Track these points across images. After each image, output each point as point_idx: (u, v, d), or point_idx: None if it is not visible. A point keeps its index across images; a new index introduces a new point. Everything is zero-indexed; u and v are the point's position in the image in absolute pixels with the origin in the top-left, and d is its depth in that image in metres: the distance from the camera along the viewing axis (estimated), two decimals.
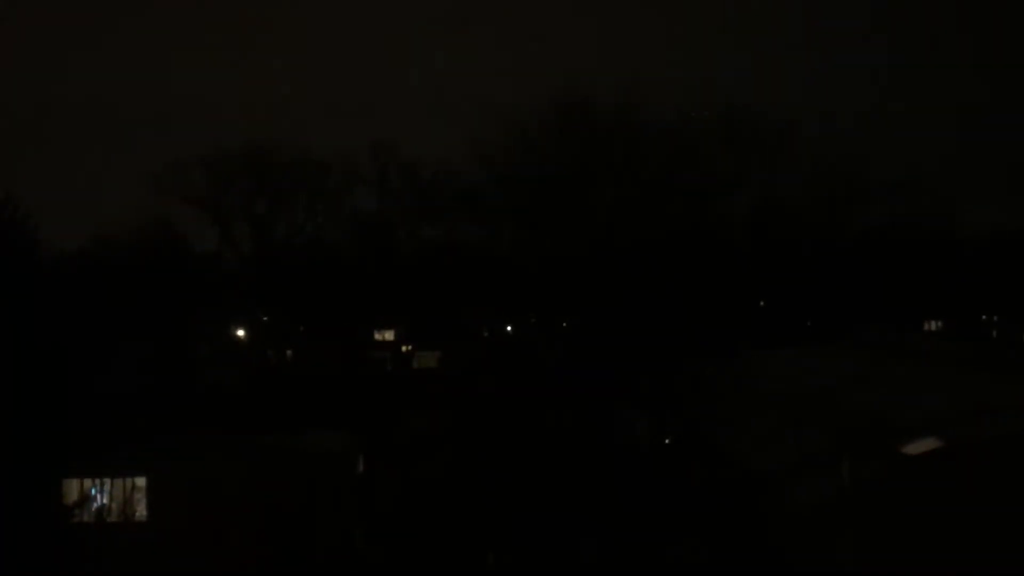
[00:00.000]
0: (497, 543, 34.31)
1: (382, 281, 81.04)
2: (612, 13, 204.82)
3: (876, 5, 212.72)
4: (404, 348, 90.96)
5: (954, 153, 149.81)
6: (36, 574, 28.03)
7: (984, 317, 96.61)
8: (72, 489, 32.19)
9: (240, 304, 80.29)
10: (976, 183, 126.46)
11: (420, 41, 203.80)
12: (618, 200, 76.02)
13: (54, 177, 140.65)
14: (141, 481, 32.37)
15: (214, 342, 77.24)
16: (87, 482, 32.30)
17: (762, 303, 78.53)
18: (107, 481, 32.38)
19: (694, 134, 74.65)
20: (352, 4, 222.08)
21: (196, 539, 31.42)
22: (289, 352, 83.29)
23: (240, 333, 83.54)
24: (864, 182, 76.72)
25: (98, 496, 32.35)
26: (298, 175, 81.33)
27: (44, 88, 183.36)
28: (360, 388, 65.41)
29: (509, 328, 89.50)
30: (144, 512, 32.24)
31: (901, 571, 24.95)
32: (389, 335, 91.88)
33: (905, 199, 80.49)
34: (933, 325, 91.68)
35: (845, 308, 75.02)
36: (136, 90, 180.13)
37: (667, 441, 48.92)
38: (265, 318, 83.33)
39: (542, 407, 57.89)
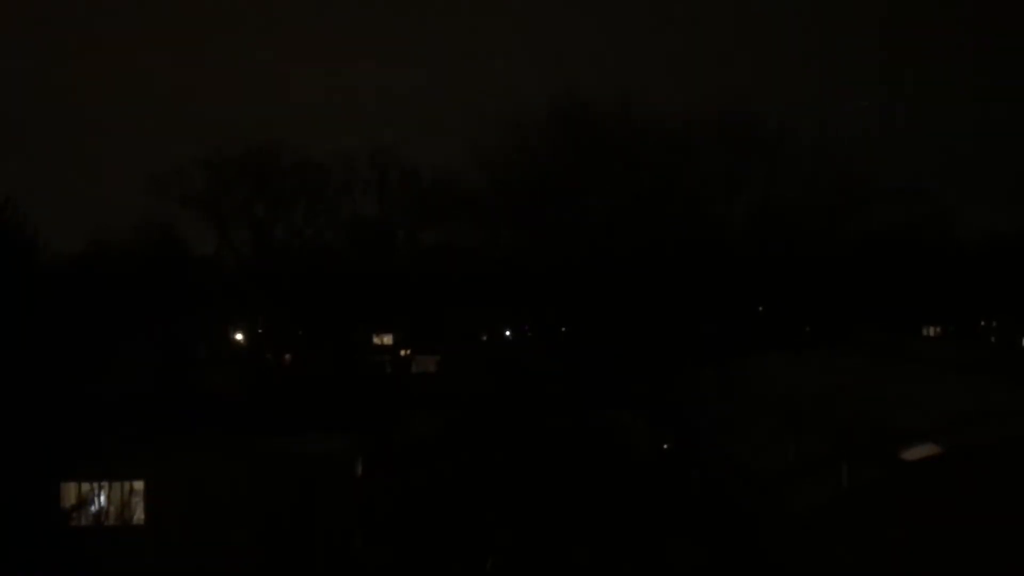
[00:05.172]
0: (496, 547, 34.28)
1: (381, 285, 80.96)
2: (611, 17, 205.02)
3: (875, 8, 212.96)
4: (403, 352, 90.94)
5: (953, 158, 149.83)
6: None
7: (983, 321, 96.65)
8: (70, 492, 32.18)
9: (239, 307, 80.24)
10: (975, 188, 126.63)
11: (420, 46, 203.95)
12: (617, 205, 76.10)
13: (54, 180, 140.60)
14: (139, 484, 32.36)
15: (213, 345, 77.21)
16: (85, 485, 32.29)
17: (761, 308, 78.54)
18: (105, 484, 32.38)
19: (693, 139, 74.74)
20: (352, 8, 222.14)
21: (194, 542, 31.41)
22: (288, 355, 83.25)
23: (239, 336, 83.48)
24: (864, 186, 76.82)
25: (96, 499, 32.34)
26: (298, 179, 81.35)
27: (44, 90, 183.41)
28: (359, 392, 65.37)
29: (508, 333, 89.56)
30: (142, 515, 32.22)
31: (898, 575, 24.93)
32: (388, 339, 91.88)
33: (904, 203, 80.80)
34: (932, 330, 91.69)
35: (844, 312, 75.02)
36: (136, 92, 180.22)
37: (665, 445, 48.94)
38: (264, 321, 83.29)
39: (541, 411, 57.91)
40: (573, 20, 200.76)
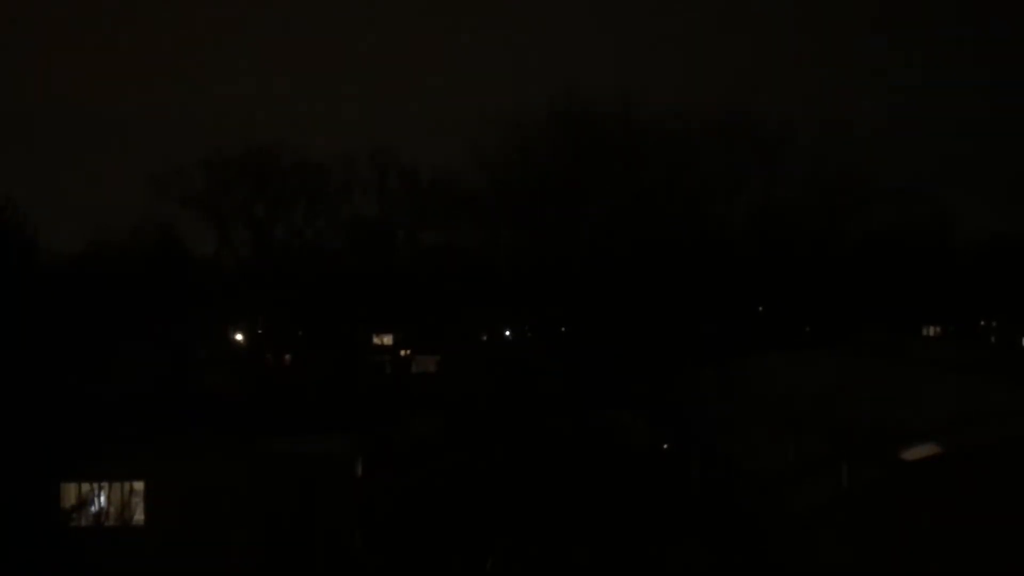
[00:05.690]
0: (496, 547, 34.27)
1: (381, 285, 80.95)
2: (612, 18, 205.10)
3: (875, 12, 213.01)
4: (403, 352, 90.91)
5: (953, 158, 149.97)
6: None
7: (983, 322, 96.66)
8: (70, 493, 32.17)
9: (239, 307, 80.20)
10: (975, 188, 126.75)
11: (420, 47, 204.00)
12: (617, 205, 76.06)
13: (53, 181, 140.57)
14: (139, 485, 32.36)
15: (212, 345, 77.16)
16: (85, 486, 32.28)
17: (761, 308, 78.51)
18: (105, 485, 32.37)
19: (693, 139, 74.71)
20: (352, 10, 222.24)
21: (194, 543, 31.41)
22: (288, 356, 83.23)
23: (239, 337, 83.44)
24: (864, 186, 76.84)
25: (96, 500, 32.34)
26: (298, 179, 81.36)
27: (44, 90, 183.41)
28: (359, 392, 65.30)
29: (508, 333, 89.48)
30: (142, 516, 32.21)
31: (898, 575, 24.92)
32: (388, 339, 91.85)
33: (905, 204, 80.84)
34: (932, 330, 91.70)
35: (844, 313, 75.01)
36: (136, 93, 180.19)
37: (665, 445, 48.91)
38: (264, 322, 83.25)
39: (541, 411, 57.86)
40: (573, 20, 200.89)
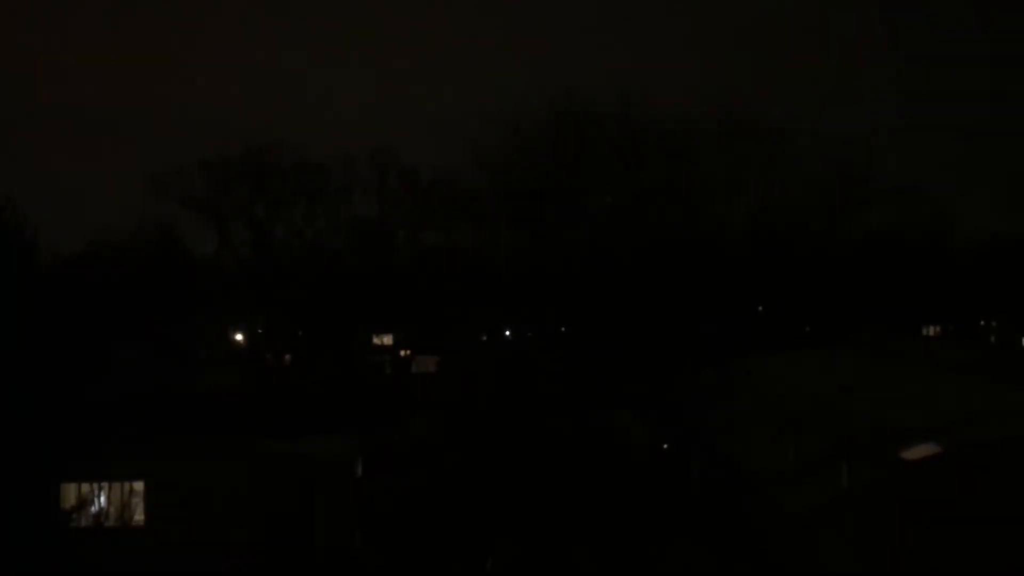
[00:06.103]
0: (496, 548, 34.28)
1: (381, 286, 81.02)
2: (612, 19, 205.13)
3: (875, 12, 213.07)
4: (403, 353, 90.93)
5: (954, 158, 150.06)
6: None
7: (983, 322, 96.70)
8: (70, 493, 32.18)
9: (239, 307, 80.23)
10: (975, 188, 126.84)
11: (421, 47, 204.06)
12: (616, 205, 76.07)
13: (54, 180, 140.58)
14: (139, 485, 32.36)
15: (212, 346, 77.19)
16: (85, 486, 32.29)
17: (761, 308, 78.52)
18: (105, 485, 32.38)
19: (693, 139, 74.69)
20: (352, 9, 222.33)
21: (194, 543, 31.42)
22: (288, 356, 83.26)
23: (239, 337, 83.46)
24: (864, 186, 76.88)
25: (96, 500, 32.34)
26: (298, 179, 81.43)
27: (42, 91, 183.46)
28: (359, 392, 65.30)
29: (508, 333, 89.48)
30: (142, 516, 32.21)
31: None
32: (388, 340, 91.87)
33: (905, 203, 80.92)
34: (932, 329, 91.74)
35: (844, 313, 75.03)
36: (136, 93, 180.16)
37: (665, 445, 48.91)
38: (264, 322, 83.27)
39: (540, 412, 57.82)
40: (574, 20, 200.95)
